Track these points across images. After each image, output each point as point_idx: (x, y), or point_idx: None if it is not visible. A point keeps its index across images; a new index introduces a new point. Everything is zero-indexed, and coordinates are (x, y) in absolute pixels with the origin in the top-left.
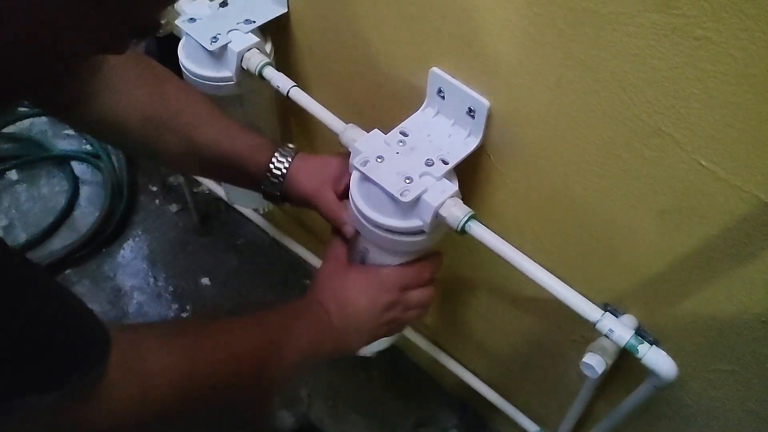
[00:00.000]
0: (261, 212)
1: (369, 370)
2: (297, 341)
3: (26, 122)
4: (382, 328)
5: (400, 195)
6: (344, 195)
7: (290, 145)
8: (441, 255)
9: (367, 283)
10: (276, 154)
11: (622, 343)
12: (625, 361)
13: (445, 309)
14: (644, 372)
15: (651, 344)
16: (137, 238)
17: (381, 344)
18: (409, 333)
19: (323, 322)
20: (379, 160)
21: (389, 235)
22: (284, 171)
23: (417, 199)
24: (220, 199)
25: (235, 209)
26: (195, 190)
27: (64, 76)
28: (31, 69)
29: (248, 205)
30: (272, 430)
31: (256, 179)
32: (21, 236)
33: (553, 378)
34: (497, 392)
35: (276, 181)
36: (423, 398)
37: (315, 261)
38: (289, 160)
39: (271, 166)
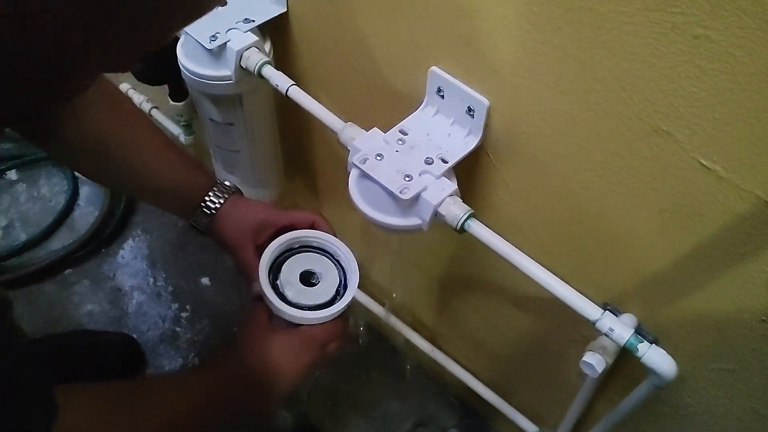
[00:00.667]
0: None
1: (369, 370)
2: (226, 411)
3: None
4: (301, 383)
5: (400, 192)
6: (263, 247)
7: (227, 184)
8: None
9: (293, 345)
10: (214, 189)
11: (622, 342)
12: (624, 360)
13: (444, 309)
14: (644, 371)
15: (651, 343)
16: (137, 238)
17: None
18: (409, 333)
19: (252, 389)
20: (378, 158)
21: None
22: (216, 209)
23: (416, 198)
24: None
25: None
26: None
27: (72, 95)
28: (41, 87)
29: None
30: (272, 430)
31: (189, 210)
32: (21, 236)
33: (553, 378)
34: (496, 392)
35: (206, 218)
36: (423, 398)
37: None
38: (223, 200)
39: (207, 200)
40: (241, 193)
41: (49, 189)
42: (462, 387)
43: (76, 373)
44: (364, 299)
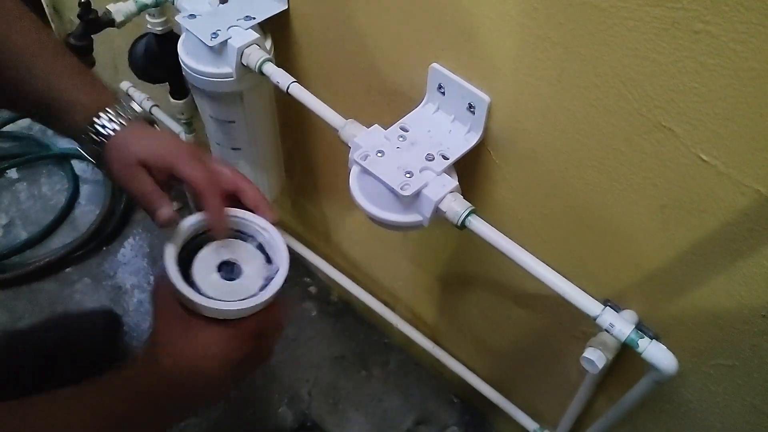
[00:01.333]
0: None
1: (369, 368)
2: (147, 420)
3: (26, 121)
4: (236, 381)
5: (401, 189)
6: (165, 185)
7: (134, 106)
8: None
9: (218, 339)
10: (108, 109)
11: (623, 337)
12: (625, 356)
13: (444, 306)
14: (644, 367)
15: (651, 339)
16: (137, 237)
17: None
18: (409, 330)
19: (159, 395)
20: (379, 154)
21: None
22: (106, 136)
23: (417, 194)
24: None
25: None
26: None
27: None
28: None
29: None
30: (273, 427)
31: (75, 130)
32: (21, 234)
33: (553, 375)
34: (497, 389)
35: (95, 144)
36: (423, 396)
37: (315, 259)
38: (118, 126)
39: (96, 121)
40: (149, 122)
41: (50, 187)
42: (462, 384)
43: (55, 362)
44: (366, 297)
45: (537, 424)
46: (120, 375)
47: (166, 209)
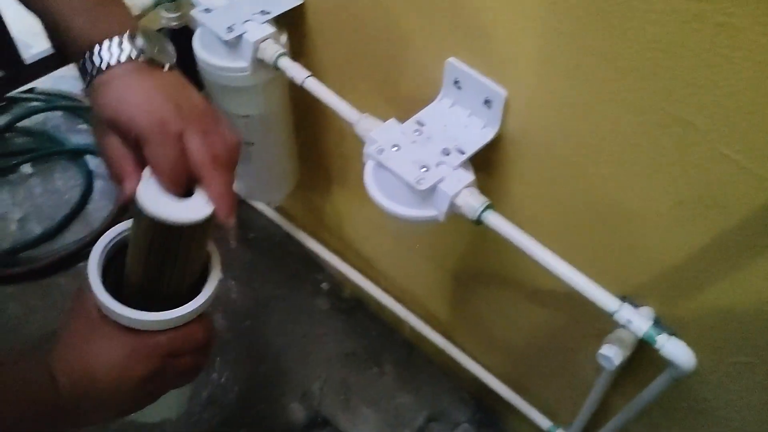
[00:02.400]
0: (272, 206)
1: (381, 364)
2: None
3: (41, 116)
4: (142, 400)
5: (417, 183)
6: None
7: (140, 43)
8: (211, 319)
9: (121, 351)
10: (111, 41)
11: (640, 333)
12: (641, 353)
13: (458, 303)
14: (661, 365)
15: (669, 335)
16: None
17: (168, 412)
18: (422, 327)
19: (46, 401)
20: (394, 149)
21: None
22: (98, 68)
23: (433, 189)
24: None
25: (247, 204)
26: None
27: None
28: None
29: (262, 199)
30: (284, 423)
31: (75, 54)
32: (36, 229)
33: (568, 372)
34: (510, 387)
35: (86, 75)
36: (435, 393)
37: (327, 255)
38: (115, 61)
39: (95, 50)
40: (158, 64)
41: (64, 183)
42: (475, 382)
43: None
44: (378, 293)
45: (551, 422)
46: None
47: (130, 184)
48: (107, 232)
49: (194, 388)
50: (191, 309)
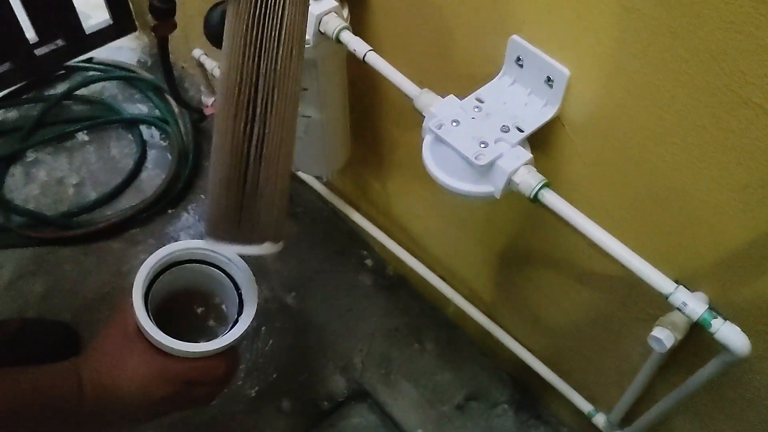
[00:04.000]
0: (323, 180)
1: (423, 341)
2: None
3: (98, 86)
4: (155, 417)
5: (475, 158)
6: None
7: None
8: (238, 354)
9: (146, 370)
10: None
11: (695, 317)
12: (692, 338)
13: (502, 282)
14: (713, 349)
15: (725, 320)
16: (200, 202)
17: None
18: (465, 305)
19: (70, 407)
20: (454, 124)
21: None
22: None
23: (491, 165)
24: None
25: (296, 178)
26: None
27: None
28: None
29: (314, 172)
30: (325, 394)
31: None
32: (91, 194)
33: (613, 356)
34: (552, 370)
35: None
36: (475, 372)
37: (374, 231)
38: None
39: None
40: None
41: (119, 151)
42: (516, 363)
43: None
44: (423, 270)
45: (591, 406)
46: (40, 375)
47: None
48: (155, 252)
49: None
50: (218, 345)
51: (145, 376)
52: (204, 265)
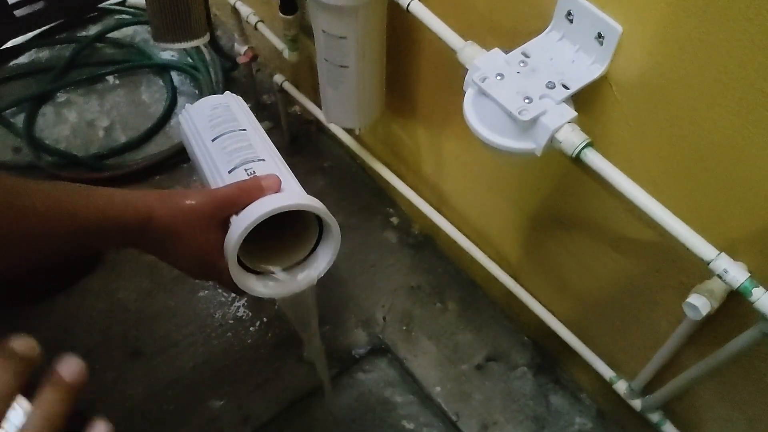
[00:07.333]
0: (357, 132)
1: (445, 301)
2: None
3: (130, 29)
4: (197, 274)
5: (519, 114)
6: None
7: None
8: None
9: (211, 249)
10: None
11: (736, 284)
12: (728, 306)
13: (532, 245)
14: (749, 320)
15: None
16: None
17: None
18: (491, 266)
19: (130, 231)
20: (498, 77)
21: None
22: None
23: (534, 121)
24: (311, 121)
25: (324, 132)
26: (289, 111)
27: None
28: None
29: (347, 124)
30: (346, 346)
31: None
32: (121, 138)
33: (640, 324)
34: (575, 334)
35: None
36: (496, 334)
37: (403, 188)
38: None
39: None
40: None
41: (149, 96)
42: (538, 326)
43: None
44: (450, 230)
45: (614, 373)
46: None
47: None
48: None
49: (257, 310)
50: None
51: (206, 252)
52: None
